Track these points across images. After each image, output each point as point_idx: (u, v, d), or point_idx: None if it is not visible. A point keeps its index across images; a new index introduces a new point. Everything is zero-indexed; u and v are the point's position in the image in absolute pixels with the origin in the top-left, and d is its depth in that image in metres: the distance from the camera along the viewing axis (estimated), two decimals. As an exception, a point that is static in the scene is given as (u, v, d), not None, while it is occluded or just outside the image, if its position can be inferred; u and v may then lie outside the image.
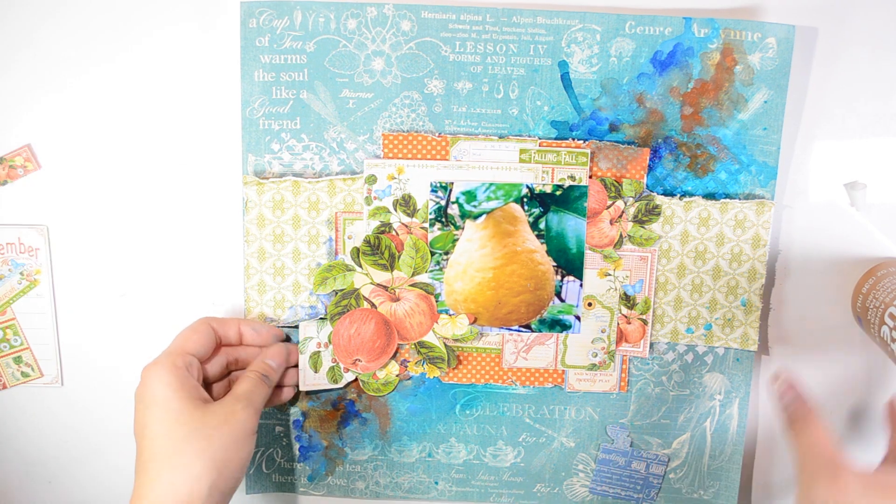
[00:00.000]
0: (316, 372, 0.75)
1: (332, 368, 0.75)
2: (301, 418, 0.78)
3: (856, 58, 0.72)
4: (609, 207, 0.73)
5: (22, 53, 0.74)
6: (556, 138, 0.72)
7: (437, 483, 0.80)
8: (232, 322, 0.72)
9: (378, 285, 0.74)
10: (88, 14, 0.73)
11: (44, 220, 0.77)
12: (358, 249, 0.73)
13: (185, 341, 0.68)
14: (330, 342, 0.75)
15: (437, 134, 0.72)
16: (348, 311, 0.74)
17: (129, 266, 0.77)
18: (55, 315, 0.78)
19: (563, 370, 0.76)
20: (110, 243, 0.77)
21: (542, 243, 0.73)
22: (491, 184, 0.72)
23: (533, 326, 0.75)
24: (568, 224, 0.73)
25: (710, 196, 0.73)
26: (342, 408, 0.78)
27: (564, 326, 0.75)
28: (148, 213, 0.76)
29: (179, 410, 0.63)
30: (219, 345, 0.72)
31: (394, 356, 0.76)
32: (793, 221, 0.75)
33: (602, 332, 0.75)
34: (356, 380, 0.76)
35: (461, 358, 0.76)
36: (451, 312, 0.74)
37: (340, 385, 0.76)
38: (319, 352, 0.75)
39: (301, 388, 0.76)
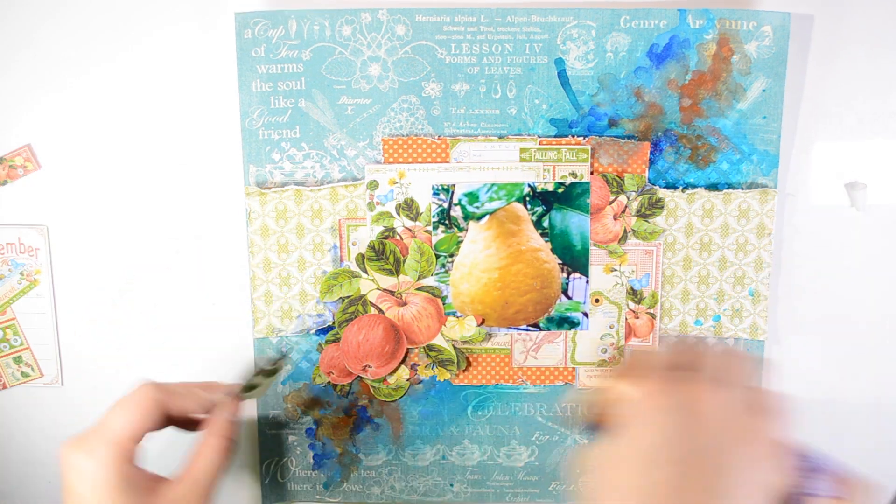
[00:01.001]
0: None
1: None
2: (314, 426, 0.78)
3: (854, 46, 0.72)
4: (612, 203, 0.72)
5: (22, 53, 0.74)
6: (555, 136, 0.72)
7: (452, 485, 0.80)
8: (187, 394, 0.64)
9: (384, 290, 0.74)
10: (88, 14, 0.73)
11: (44, 220, 0.77)
12: (363, 255, 0.73)
13: (129, 424, 0.60)
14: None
15: (436, 137, 0.72)
16: (356, 317, 0.74)
17: (129, 267, 0.78)
18: (55, 315, 0.79)
19: (574, 367, 0.76)
20: (110, 243, 0.77)
21: (546, 241, 0.73)
22: (492, 184, 0.72)
23: (541, 325, 0.75)
24: (571, 221, 0.72)
25: (712, 187, 0.72)
26: (354, 414, 0.78)
27: (573, 324, 0.75)
28: (149, 213, 0.76)
29: None
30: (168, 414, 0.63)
31: (403, 360, 0.76)
32: (797, 209, 0.74)
33: (610, 327, 0.75)
34: (362, 381, 0.77)
35: (471, 359, 0.76)
36: (459, 314, 0.74)
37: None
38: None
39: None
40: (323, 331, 0.75)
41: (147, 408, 0.60)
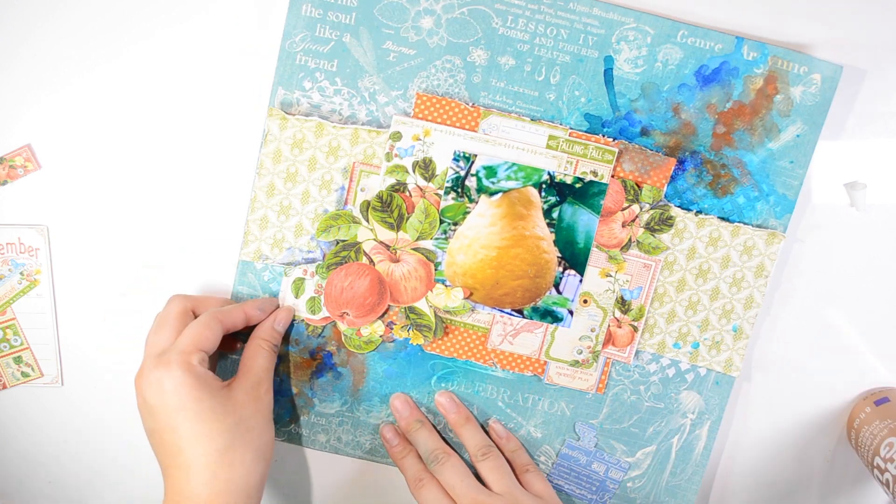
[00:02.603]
0: (297, 297, 0.75)
1: (312, 298, 0.75)
2: (276, 361, 0.77)
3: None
4: (624, 209, 0.73)
5: (22, 53, 0.73)
6: (586, 131, 0.72)
7: (398, 449, 0.79)
8: (237, 311, 0.71)
9: (381, 243, 0.73)
10: (88, 13, 0.72)
11: (44, 220, 0.76)
12: (368, 203, 0.73)
13: (198, 338, 0.66)
14: (317, 273, 0.74)
15: (470, 104, 0.72)
16: (346, 262, 0.74)
17: (129, 266, 0.77)
18: (55, 315, 0.78)
19: (546, 361, 0.76)
20: (110, 243, 0.77)
21: (551, 232, 0.73)
22: (514, 164, 0.72)
23: (525, 312, 0.75)
24: (580, 218, 0.73)
25: (724, 218, 0.73)
26: (319, 358, 0.77)
27: (556, 318, 0.75)
28: (148, 213, 0.76)
29: (213, 409, 0.63)
30: None
31: (382, 317, 0.75)
32: (802, 257, 0.75)
33: (591, 330, 0.75)
34: (335, 328, 0.76)
35: (448, 330, 0.76)
36: (448, 284, 0.74)
37: (317, 317, 0.75)
38: (304, 279, 0.74)
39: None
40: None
41: (210, 326, 0.68)
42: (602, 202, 0.72)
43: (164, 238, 0.76)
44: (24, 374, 0.79)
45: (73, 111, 0.74)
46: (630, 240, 0.73)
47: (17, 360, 0.78)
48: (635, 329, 0.75)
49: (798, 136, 0.71)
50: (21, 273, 0.76)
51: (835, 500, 0.83)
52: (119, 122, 0.74)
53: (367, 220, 0.73)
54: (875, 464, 0.74)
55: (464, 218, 0.73)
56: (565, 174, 0.72)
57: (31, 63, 0.73)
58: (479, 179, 0.72)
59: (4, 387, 0.79)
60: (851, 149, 0.75)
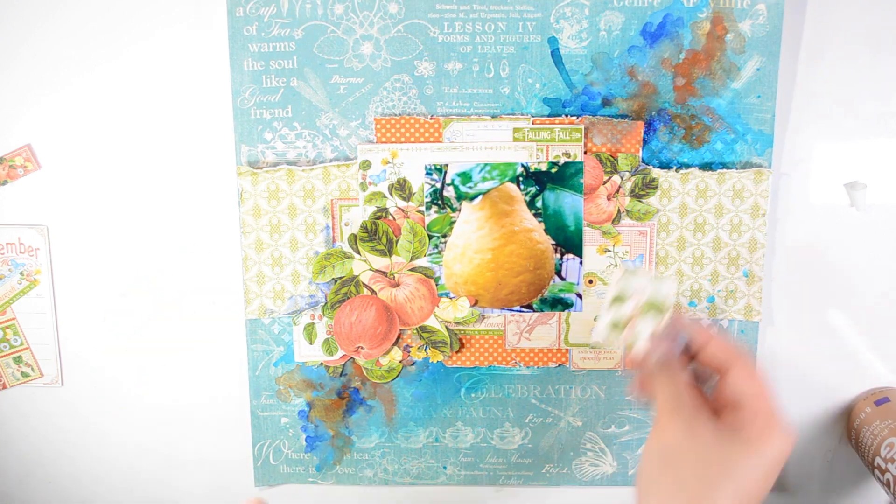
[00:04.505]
0: (311, 344, 0.75)
1: (326, 340, 0.75)
2: (306, 408, 0.78)
3: (849, 25, 0.71)
4: (605, 183, 0.72)
5: (22, 53, 0.74)
6: (549, 115, 0.71)
7: (445, 468, 0.79)
8: None
9: (377, 271, 0.74)
10: (88, 14, 0.73)
11: (44, 220, 0.77)
12: (355, 236, 0.73)
13: None
14: (324, 314, 0.75)
15: (429, 116, 0.72)
16: (348, 298, 0.74)
17: (129, 266, 0.77)
18: (55, 315, 0.78)
19: (567, 349, 0.76)
20: (110, 243, 0.77)
21: (539, 222, 0.72)
22: (485, 164, 0.71)
23: (534, 306, 0.75)
24: (565, 201, 0.72)
25: (706, 167, 0.72)
26: (347, 396, 0.77)
27: (566, 305, 0.75)
28: (148, 212, 0.76)
29: None
30: None
31: (396, 342, 0.75)
32: (791, 190, 0.74)
33: (604, 309, 0.75)
34: (355, 363, 0.76)
35: (464, 341, 0.76)
36: (452, 295, 0.74)
37: (335, 358, 0.76)
38: (314, 323, 0.75)
39: (296, 360, 0.76)
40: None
41: None
42: (582, 181, 0.72)
43: (164, 238, 0.77)
44: (24, 375, 0.80)
45: (73, 111, 0.75)
46: (619, 211, 0.73)
47: (17, 360, 0.79)
48: (647, 297, 0.74)
49: (759, 69, 0.70)
50: (21, 273, 0.77)
51: (835, 500, 0.81)
52: (119, 123, 0.75)
53: (359, 252, 0.73)
54: (875, 464, 0.72)
55: (451, 228, 0.73)
56: (538, 162, 0.71)
57: (31, 63, 0.74)
58: (456, 187, 0.72)
59: (4, 387, 0.80)
60: (851, 149, 0.74)
